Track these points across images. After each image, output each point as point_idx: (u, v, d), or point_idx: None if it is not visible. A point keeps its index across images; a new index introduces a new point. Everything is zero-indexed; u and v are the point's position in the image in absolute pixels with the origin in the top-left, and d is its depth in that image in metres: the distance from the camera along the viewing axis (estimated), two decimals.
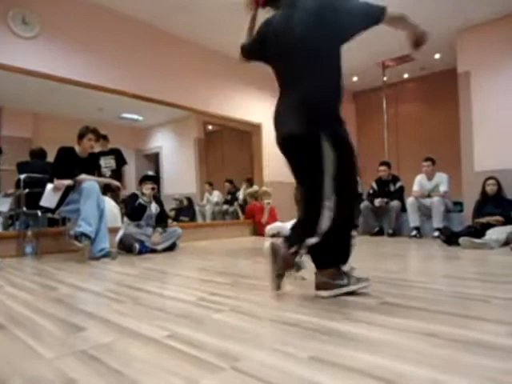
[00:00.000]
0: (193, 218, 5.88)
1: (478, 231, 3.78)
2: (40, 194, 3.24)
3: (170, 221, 4.37)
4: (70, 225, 3.63)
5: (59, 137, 3.73)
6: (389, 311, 1.41)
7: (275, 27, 1.71)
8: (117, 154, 4.70)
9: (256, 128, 6.17)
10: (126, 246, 3.50)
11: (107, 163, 4.56)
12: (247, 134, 6.29)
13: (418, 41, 1.84)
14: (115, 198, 4.23)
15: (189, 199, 6.02)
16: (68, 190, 3.22)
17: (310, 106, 1.59)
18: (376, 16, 1.71)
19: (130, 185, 5.86)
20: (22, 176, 3.54)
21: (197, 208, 6.12)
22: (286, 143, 1.69)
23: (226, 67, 5.59)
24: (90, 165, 3.46)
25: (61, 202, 3.22)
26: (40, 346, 1.12)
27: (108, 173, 4.46)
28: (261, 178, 6.17)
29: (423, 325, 1.23)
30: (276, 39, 1.69)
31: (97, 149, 3.70)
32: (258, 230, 5.74)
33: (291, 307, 1.52)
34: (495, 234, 3.65)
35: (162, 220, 3.81)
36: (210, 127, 6.46)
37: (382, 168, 5.38)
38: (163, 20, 4.64)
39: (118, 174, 4.54)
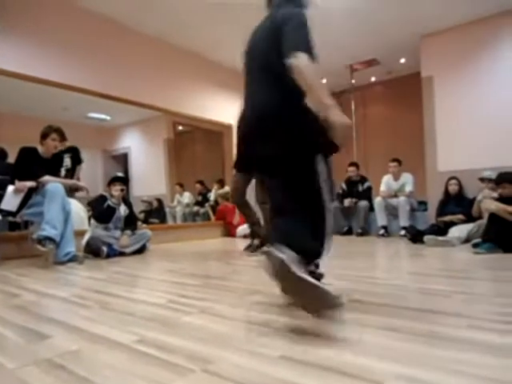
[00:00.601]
0: (163, 219, 5.79)
1: (441, 229, 3.95)
2: (0, 197, 3.09)
3: (139, 223, 4.28)
4: (32, 228, 3.49)
5: (21, 137, 3.57)
6: (356, 308, 1.45)
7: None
8: (73, 153, 4.51)
9: (227, 129, 6.16)
10: (94, 250, 3.39)
11: (64, 162, 4.38)
12: (218, 134, 6.27)
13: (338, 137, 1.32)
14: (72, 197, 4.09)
15: (159, 201, 5.93)
16: (30, 192, 3.09)
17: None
18: (287, 49, 1.37)
19: (97, 186, 5.70)
20: None
21: (167, 210, 6.03)
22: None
23: (196, 67, 5.54)
24: (54, 165, 3.34)
25: (23, 205, 3.09)
26: (2, 357, 1.07)
27: (63, 172, 4.27)
28: (232, 179, 6.15)
29: (387, 320, 1.28)
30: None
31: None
32: (230, 231, 5.73)
33: (261, 307, 1.53)
34: (457, 231, 3.82)
35: (130, 222, 3.73)
36: (180, 127, 6.38)
37: (351, 169, 5.51)
38: (133, 18, 4.54)
39: (72, 173, 4.36)
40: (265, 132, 1.45)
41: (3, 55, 3.61)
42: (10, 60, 3.64)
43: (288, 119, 1.41)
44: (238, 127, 1.61)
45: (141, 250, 3.69)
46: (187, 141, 7.00)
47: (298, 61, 1.32)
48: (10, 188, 3.07)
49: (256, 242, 3.64)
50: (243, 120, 1.58)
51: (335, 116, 1.28)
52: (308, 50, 1.38)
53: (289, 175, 1.49)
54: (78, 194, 3.75)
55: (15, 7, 3.74)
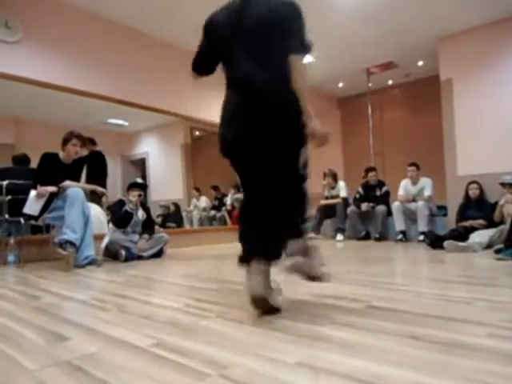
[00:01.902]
0: (180, 224, 5.85)
1: (461, 234, 3.86)
2: (23, 201, 3.18)
3: (157, 227, 4.34)
4: (54, 232, 3.57)
5: (43, 142, 3.68)
6: (374, 315, 1.43)
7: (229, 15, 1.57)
8: (92, 159, 4.59)
9: None
10: (112, 253, 3.45)
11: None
12: None
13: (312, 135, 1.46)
14: (99, 204, 4.16)
15: (176, 205, 5.99)
16: (52, 197, 3.17)
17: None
18: (290, 48, 1.43)
19: (116, 191, 5.80)
20: (4, 183, 3.47)
21: (184, 214, 6.08)
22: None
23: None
24: (75, 171, 3.41)
25: (44, 209, 3.17)
26: (22, 358, 1.09)
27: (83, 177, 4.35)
28: None
29: (407, 328, 1.25)
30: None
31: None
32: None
33: (278, 313, 1.52)
34: (478, 237, 3.73)
35: (148, 226, 3.78)
36: (197, 132, 6.45)
37: (372, 174, 5.45)
38: (150, 25, 4.63)
39: (93, 178, 4.44)
40: (262, 114, 1.43)
41: (25, 64, 3.73)
42: (31, 68, 3.76)
43: (287, 103, 1.43)
44: (225, 106, 1.55)
45: (158, 254, 3.73)
46: (204, 146, 7.06)
47: (303, 65, 1.44)
48: (33, 193, 3.16)
49: None
50: (236, 96, 1.52)
51: (316, 125, 1.41)
52: (301, 50, 1.46)
53: (276, 164, 1.50)
54: (103, 201, 3.84)
55: (36, 17, 3.87)
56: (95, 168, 4.32)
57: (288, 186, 1.55)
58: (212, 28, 1.63)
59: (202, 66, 1.75)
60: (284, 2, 1.51)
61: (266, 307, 1.44)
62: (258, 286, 1.39)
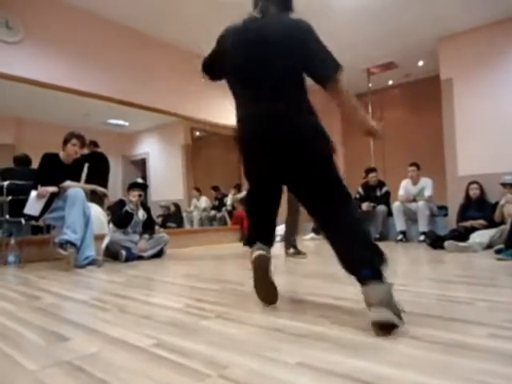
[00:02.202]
0: (180, 224, 5.85)
1: (462, 235, 3.86)
2: (24, 202, 3.18)
3: (157, 227, 4.34)
4: (54, 232, 3.57)
5: (43, 143, 3.68)
6: None
7: (244, 36, 1.57)
8: (92, 159, 4.57)
9: None
10: (113, 254, 3.45)
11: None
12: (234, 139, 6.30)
13: (366, 133, 1.60)
14: (100, 205, 4.16)
15: (176, 205, 5.99)
16: (52, 197, 3.17)
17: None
18: (325, 73, 1.45)
19: (117, 191, 5.80)
20: (5, 183, 3.47)
21: (184, 214, 6.09)
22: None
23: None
24: (75, 171, 3.42)
25: (45, 210, 3.17)
26: (23, 358, 1.09)
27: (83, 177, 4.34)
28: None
29: (408, 328, 1.25)
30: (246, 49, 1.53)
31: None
32: (245, 236, 5.73)
33: (278, 312, 1.52)
34: (479, 237, 3.73)
35: (148, 227, 3.78)
36: (197, 133, 6.45)
37: (372, 175, 5.45)
38: (149, 25, 4.63)
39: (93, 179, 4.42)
40: (291, 146, 1.44)
41: (25, 64, 3.73)
42: (32, 69, 3.76)
43: (308, 128, 1.47)
44: (245, 142, 1.61)
45: (158, 254, 3.73)
46: (204, 146, 7.06)
47: (341, 84, 1.45)
48: (33, 193, 3.16)
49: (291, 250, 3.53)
50: (251, 134, 1.55)
51: (374, 125, 1.59)
52: (338, 69, 1.43)
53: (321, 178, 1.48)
54: (105, 201, 3.84)
55: (36, 17, 3.87)
56: (95, 168, 4.30)
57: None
58: (223, 44, 1.65)
59: (212, 71, 1.77)
60: (296, 21, 1.54)
61: (265, 270, 1.56)
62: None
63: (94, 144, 4.55)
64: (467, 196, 4.41)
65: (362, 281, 1.29)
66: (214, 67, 1.72)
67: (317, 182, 1.45)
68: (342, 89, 1.44)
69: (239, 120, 1.61)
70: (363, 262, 1.33)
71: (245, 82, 1.55)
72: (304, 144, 1.43)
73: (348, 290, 1.94)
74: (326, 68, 1.44)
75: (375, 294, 1.22)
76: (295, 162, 1.45)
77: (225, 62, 1.61)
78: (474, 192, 4.34)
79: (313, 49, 1.47)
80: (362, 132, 1.57)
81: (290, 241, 3.51)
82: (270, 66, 1.47)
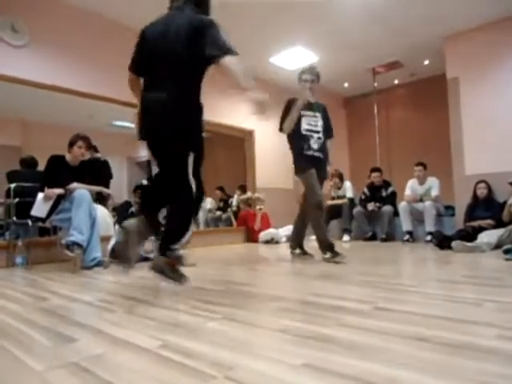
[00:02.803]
0: None
1: (469, 235, 3.82)
2: (31, 204, 3.21)
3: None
4: (61, 234, 3.60)
5: (49, 145, 3.70)
6: (381, 316, 1.41)
7: (157, 30, 1.94)
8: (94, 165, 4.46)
9: (248, 134, 6.20)
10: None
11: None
12: (239, 140, 6.30)
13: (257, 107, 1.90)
14: (103, 206, 4.14)
15: None
16: (59, 199, 3.19)
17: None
18: (212, 53, 1.80)
19: (123, 192, 5.83)
20: (12, 185, 3.50)
21: None
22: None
23: (217, 74, 5.60)
24: (81, 173, 3.43)
25: (52, 211, 3.19)
26: (30, 359, 1.10)
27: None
28: (253, 185, 6.17)
29: (415, 329, 1.24)
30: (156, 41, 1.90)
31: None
32: (252, 237, 5.73)
33: (284, 313, 1.51)
34: (486, 237, 3.69)
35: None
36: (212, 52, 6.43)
37: (375, 174, 5.42)
38: None
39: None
40: (167, 120, 1.85)
41: (31, 67, 3.76)
42: (37, 71, 3.79)
43: (186, 114, 1.90)
44: (144, 111, 1.92)
45: None
46: (208, 147, 7.03)
47: (231, 61, 1.77)
48: (40, 195, 3.18)
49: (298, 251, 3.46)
50: (150, 104, 1.89)
51: (253, 94, 1.89)
52: (235, 52, 1.79)
53: (171, 163, 1.95)
54: (109, 203, 3.83)
55: (42, 20, 3.90)
56: (96, 176, 4.18)
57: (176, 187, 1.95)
58: (143, 40, 1.99)
59: (138, 67, 2.07)
60: (198, 19, 1.87)
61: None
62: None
63: (94, 149, 4.46)
64: (475, 196, 4.37)
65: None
66: (139, 61, 2.04)
67: (170, 174, 1.96)
68: (229, 71, 1.79)
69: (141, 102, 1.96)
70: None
71: (153, 68, 1.91)
72: (167, 142, 1.89)
73: (353, 290, 1.93)
74: (213, 49, 1.79)
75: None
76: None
77: (144, 53, 1.96)
78: (482, 191, 4.30)
79: (208, 35, 1.80)
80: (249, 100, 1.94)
81: (297, 241, 3.46)
82: (171, 56, 1.85)
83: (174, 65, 1.85)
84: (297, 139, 3.22)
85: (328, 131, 3.37)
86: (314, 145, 3.21)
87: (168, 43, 1.84)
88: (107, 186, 4.22)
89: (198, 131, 2.00)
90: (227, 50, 1.77)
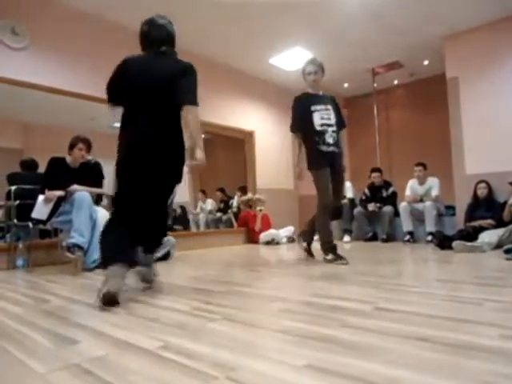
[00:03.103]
0: (186, 226, 5.86)
1: (470, 234, 3.82)
2: (31, 206, 3.21)
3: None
4: (62, 236, 3.60)
5: (51, 147, 3.71)
6: (383, 316, 1.42)
7: (139, 67, 2.08)
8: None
9: (248, 135, 6.20)
10: None
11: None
12: (240, 141, 6.31)
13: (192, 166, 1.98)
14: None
15: (182, 208, 6.01)
16: (60, 201, 3.19)
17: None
18: (182, 100, 1.95)
19: None
20: (13, 187, 3.51)
21: (190, 217, 6.10)
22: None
23: (216, 75, 5.62)
24: (82, 175, 3.43)
25: (52, 213, 3.19)
26: (32, 361, 1.10)
27: None
28: (254, 186, 6.18)
29: (416, 329, 1.24)
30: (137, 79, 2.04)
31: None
32: (252, 238, 5.73)
33: (286, 314, 1.51)
34: (487, 237, 3.69)
35: None
36: (202, 135, 6.46)
37: (375, 175, 5.42)
38: None
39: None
40: (158, 155, 1.99)
41: (32, 69, 3.77)
42: (38, 74, 3.80)
43: (173, 148, 2.05)
44: (128, 152, 1.98)
45: (165, 257, 3.74)
46: (209, 148, 7.02)
47: (193, 113, 1.92)
48: (41, 197, 3.19)
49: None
50: (136, 146, 1.97)
51: (200, 155, 1.92)
52: (197, 103, 1.96)
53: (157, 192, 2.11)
54: (103, 203, 3.82)
55: (43, 23, 3.91)
56: (90, 179, 4.03)
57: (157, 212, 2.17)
58: (124, 72, 2.11)
59: (115, 96, 2.18)
60: (182, 64, 2.06)
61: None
62: (116, 284, 1.75)
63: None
64: (475, 195, 4.37)
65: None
66: (114, 91, 2.16)
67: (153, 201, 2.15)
68: (189, 121, 1.91)
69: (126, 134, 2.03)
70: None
71: (140, 105, 2.02)
72: (156, 166, 2.02)
73: (354, 291, 1.93)
74: (183, 98, 1.95)
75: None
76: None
77: (125, 88, 2.06)
78: (482, 191, 4.30)
79: (184, 83, 1.98)
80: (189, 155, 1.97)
81: (309, 237, 3.39)
82: (156, 97, 2.00)
83: (159, 102, 2.00)
84: (311, 136, 3.09)
85: (340, 122, 3.26)
86: (330, 139, 3.08)
87: (153, 82, 2.00)
88: (101, 187, 4.18)
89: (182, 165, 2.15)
90: (192, 101, 1.95)
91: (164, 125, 2.00)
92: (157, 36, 2.16)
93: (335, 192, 3.15)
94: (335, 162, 3.12)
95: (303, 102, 3.17)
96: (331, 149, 3.08)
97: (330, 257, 3.04)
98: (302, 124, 3.15)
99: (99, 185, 3.55)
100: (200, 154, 1.90)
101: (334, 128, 3.12)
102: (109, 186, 3.75)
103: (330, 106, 3.17)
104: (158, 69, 2.03)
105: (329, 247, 3.08)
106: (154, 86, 1.99)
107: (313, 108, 3.11)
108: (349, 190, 5.72)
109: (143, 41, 2.24)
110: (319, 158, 3.07)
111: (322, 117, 3.10)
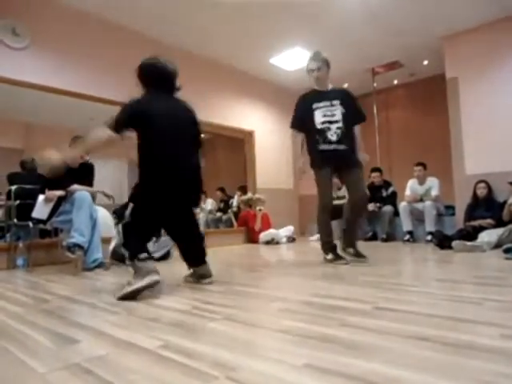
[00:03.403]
0: None
1: (470, 234, 3.82)
2: (31, 206, 3.21)
3: (163, 230, 4.32)
4: (63, 236, 3.60)
5: (52, 147, 3.69)
6: (382, 316, 1.42)
7: (160, 106, 2.25)
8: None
9: (248, 135, 6.20)
10: (120, 256, 3.45)
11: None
12: (239, 141, 6.31)
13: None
14: None
15: None
16: (60, 201, 3.20)
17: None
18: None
19: (123, 194, 5.81)
20: (13, 187, 3.51)
21: None
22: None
23: (217, 74, 5.62)
24: (82, 174, 3.44)
25: (52, 213, 3.19)
26: (32, 360, 1.10)
27: None
28: (254, 185, 6.18)
29: (417, 329, 1.24)
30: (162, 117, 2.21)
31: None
32: (252, 238, 5.73)
33: (286, 314, 1.52)
34: (487, 236, 3.69)
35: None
36: (202, 135, 6.47)
37: (375, 174, 5.42)
38: (153, 29, 4.66)
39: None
40: (194, 183, 2.27)
41: (33, 70, 3.77)
42: (39, 74, 3.80)
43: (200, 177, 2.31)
44: (164, 180, 2.15)
45: (165, 257, 3.74)
46: (209, 148, 7.06)
47: (107, 129, 2.24)
48: (41, 197, 3.19)
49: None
50: (173, 175, 2.15)
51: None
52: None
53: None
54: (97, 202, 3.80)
55: (43, 23, 3.91)
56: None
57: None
58: (145, 110, 2.24)
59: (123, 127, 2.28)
60: (190, 109, 2.44)
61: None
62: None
63: None
64: (475, 195, 4.37)
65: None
66: (126, 125, 2.26)
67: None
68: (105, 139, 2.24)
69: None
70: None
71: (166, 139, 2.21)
72: (190, 192, 2.28)
73: (354, 290, 1.94)
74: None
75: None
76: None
77: (143, 124, 2.22)
78: (482, 191, 4.30)
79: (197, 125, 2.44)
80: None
81: (348, 240, 3.12)
82: (182, 132, 2.27)
83: (188, 138, 2.32)
84: (312, 134, 3.01)
85: (354, 116, 3.06)
86: (333, 136, 2.94)
87: (179, 120, 2.29)
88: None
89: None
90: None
91: (191, 153, 2.29)
92: (166, 72, 2.45)
93: (354, 189, 3.03)
94: (341, 160, 2.97)
95: (306, 101, 3.10)
96: (333, 147, 2.95)
97: (330, 256, 3.03)
98: (302, 123, 3.09)
99: (92, 185, 3.56)
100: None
101: (340, 124, 2.95)
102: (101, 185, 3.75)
103: (336, 102, 3.01)
104: (180, 110, 2.39)
105: (329, 247, 3.06)
106: (182, 126, 2.29)
107: (314, 106, 3.02)
108: None
109: (153, 77, 2.42)
110: (318, 158, 3.00)
111: (324, 114, 2.99)
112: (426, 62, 6.04)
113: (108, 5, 4.13)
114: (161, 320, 1.49)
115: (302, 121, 3.10)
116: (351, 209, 3.12)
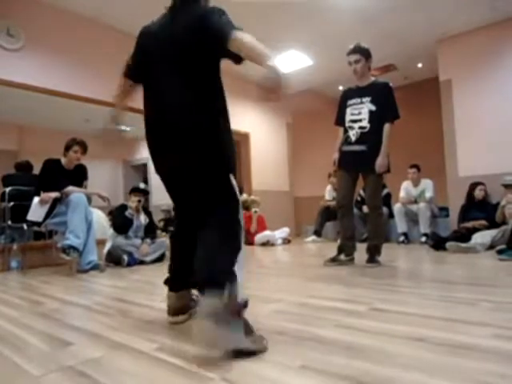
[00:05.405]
0: None
1: (464, 235, 3.85)
2: (25, 207, 3.19)
3: (158, 232, 4.33)
4: (57, 238, 3.58)
5: (46, 149, 3.68)
6: (378, 317, 1.42)
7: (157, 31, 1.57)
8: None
9: (244, 137, 6.21)
10: (115, 258, 3.45)
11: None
12: (235, 143, 6.31)
13: (272, 87, 1.36)
14: None
15: None
16: (55, 203, 3.18)
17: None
18: (222, 35, 1.36)
19: (118, 195, 5.80)
20: (7, 189, 3.48)
21: None
22: None
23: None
24: (77, 176, 3.42)
25: (47, 215, 3.17)
26: (26, 363, 1.09)
27: None
28: (249, 187, 6.18)
29: (411, 329, 1.25)
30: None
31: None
32: (248, 239, 5.73)
33: (281, 316, 1.52)
34: (480, 237, 3.72)
35: (150, 231, 3.78)
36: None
37: None
38: None
39: None
40: (178, 143, 1.40)
41: (27, 71, 3.74)
42: (33, 76, 3.77)
43: (205, 130, 1.39)
44: (147, 135, 1.52)
45: (160, 259, 3.73)
46: None
47: (240, 35, 1.35)
48: (36, 199, 3.17)
49: (343, 257, 2.98)
50: (151, 127, 1.49)
51: (274, 66, 1.35)
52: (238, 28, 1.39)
53: (205, 191, 1.52)
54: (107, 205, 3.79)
55: (37, 25, 3.89)
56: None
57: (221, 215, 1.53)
58: (143, 40, 1.65)
59: (135, 72, 1.68)
60: (201, 11, 1.49)
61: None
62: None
63: None
64: (469, 197, 4.40)
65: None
66: (136, 67, 1.67)
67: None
68: (242, 45, 1.37)
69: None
70: None
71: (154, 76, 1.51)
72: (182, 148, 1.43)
73: (349, 291, 1.94)
74: (222, 31, 1.37)
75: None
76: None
77: (142, 59, 1.60)
78: (480, 194, 4.32)
79: (216, 19, 1.43)
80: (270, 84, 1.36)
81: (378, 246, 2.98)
82: (175, 62, 1.45)
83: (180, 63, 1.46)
84: (344, 133, 2.93)
85: (385, 113, 2.84)
86: (353, 136, 2.82)
87: (172, 45, 1.47)
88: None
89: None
90: (232, 27, 1.40)
91: (185, 94, 1.41)
92: None
93: (366, 199, 2.99)
94: (358, 162, 2.82)
95: (343, 97, 3.04)
96: (351, 148, 2.81)
97: (341, 257, 2.98)
98: (342, 120, 2.97)
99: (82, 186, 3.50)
100: (274, 66, 1.36)
101: (363, 123, 2.79)
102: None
103: (366, 99, 2.85)
104: (170, 29, 1.51)
105: (341, 248, 2.98)
106: (169, 48, 1.47)
107: (348, 103, 2.93)
108: None
109: None
110: (339, 159, 2.93)
111: (352, 112, 2.88)
112: (420, 65, 6.08)
113: (103, 7, 4.12)
114: (155, 322, 1.49)
115: (340, 118, 3.02)
116: (368, 218, 3.06)
